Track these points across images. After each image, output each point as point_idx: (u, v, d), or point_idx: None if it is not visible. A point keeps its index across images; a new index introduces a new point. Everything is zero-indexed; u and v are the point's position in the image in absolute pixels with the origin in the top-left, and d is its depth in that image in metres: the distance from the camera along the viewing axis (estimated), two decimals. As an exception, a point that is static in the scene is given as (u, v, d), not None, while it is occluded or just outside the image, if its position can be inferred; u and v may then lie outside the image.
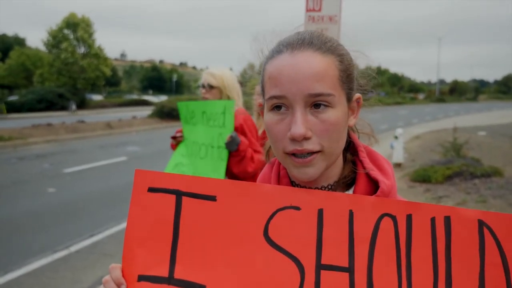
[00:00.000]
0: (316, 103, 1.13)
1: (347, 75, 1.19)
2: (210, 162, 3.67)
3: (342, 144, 1.20)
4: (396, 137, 14.15)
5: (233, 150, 3.50)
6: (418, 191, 10.21)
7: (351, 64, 1.22)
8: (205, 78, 3.78)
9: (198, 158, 3.80)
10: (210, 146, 3.69)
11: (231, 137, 3.48)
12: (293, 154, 1.14)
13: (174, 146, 4.15)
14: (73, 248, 6.96)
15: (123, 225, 8.05)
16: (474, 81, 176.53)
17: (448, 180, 10.85)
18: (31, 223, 8.18)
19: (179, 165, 3.97)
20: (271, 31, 1.29)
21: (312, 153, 1.13)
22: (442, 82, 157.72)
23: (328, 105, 1.13)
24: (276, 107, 1.16)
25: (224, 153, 3.55)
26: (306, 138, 1.12)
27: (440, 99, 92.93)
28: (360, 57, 1.28)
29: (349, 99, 1.20)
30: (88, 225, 8.07)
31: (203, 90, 3.78)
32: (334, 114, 1.14)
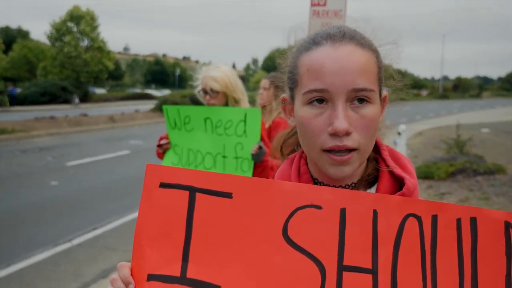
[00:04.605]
0: (357, 98, 1.10)
1: (381, 72, 1.18)
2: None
3: (374, 141, 1.18)
4: (399, 133, 14.15)
5: (259, 161, 3.29)
6: (421, 188, 10.18)
7: (382, 62, 1.20)
8: (206, 83, 3.50)
9: (201, 168, 3.47)
10: (220, 155, 3.43)
11: (260, 147, 3.26)
12: (330, 151, 1.11)
13: (161, 155, 3.76)
14: (75, 241, 6.96)
15: (126, 218, 8.06)
16: (478, 78, 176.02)
17: (451, 176, 10.82)
18: (33, 216, 8.19)
19: None
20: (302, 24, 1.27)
21: (349, 150, 1.11)
22: (445, 78, 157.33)
23: (368, 101, 1.11)
24: (315, 101, 1.12)
25: (248, 164, 3.33)
26: (347, 134, 1.09)
27: (444, 96, 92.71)
28: (389, 54, 1.25)
29: (380, 96, 1.18)
30: (90, 219, 8.07)
31: (207, 96, 3.50)
32: (373, 110, 1.12)
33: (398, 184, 1.21)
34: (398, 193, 1.16)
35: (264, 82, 4.16)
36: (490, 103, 74.15)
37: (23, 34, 77.85)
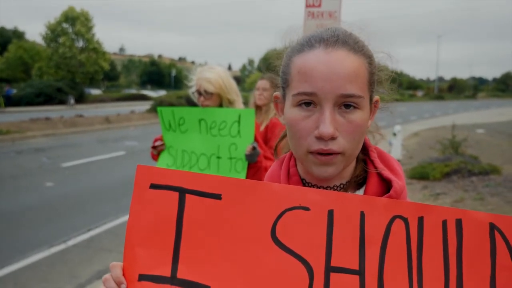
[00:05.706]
0: (345, 104, 1.11)
1: (373, 78, 1.18)
2: (216, 174, 3.46)
3: (361, 145, 1.19)
4: (394, 134, 14.16)
5: (253, 162, 3.30)
6: (416, 188, 10.20)
7: (376, 67, 1.21)
8: (200, 85, 3.47)
9: (196, 169, 3.49)
10: (214, 156, 3.42)
11: (254, 148, 3.27)
12: (317, 152, 1.13)
13: (155, 157, 3.75)
14: (70, 243, 6.95)
15: (121, 219, 8.05)
16: (473, 78, 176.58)
17: (446, 177, 10.84)
18: (28, 217, 8.16)
19: None
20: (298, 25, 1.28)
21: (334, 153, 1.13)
22: (441, 79, 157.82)
23: (356, 107, 1.12)
24: (304, 104, 1.13)
25: (241, 165, 3.33)
26: (332, 138, 1.11)
27: (439, 97, 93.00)
28: (384, 59, 1.26)
29: (370, 101, 1.19)
30: (85, 220, 8.05)
31: (201, 98, 3.47)
32: (361, 116, 1.13)
33: (386, 186, 1.22)
34: (386, 195, 1.17)
35: (264, 83, 4.16)
36: (485, 103, 74.41)
37: (18, 35, 77.61)
